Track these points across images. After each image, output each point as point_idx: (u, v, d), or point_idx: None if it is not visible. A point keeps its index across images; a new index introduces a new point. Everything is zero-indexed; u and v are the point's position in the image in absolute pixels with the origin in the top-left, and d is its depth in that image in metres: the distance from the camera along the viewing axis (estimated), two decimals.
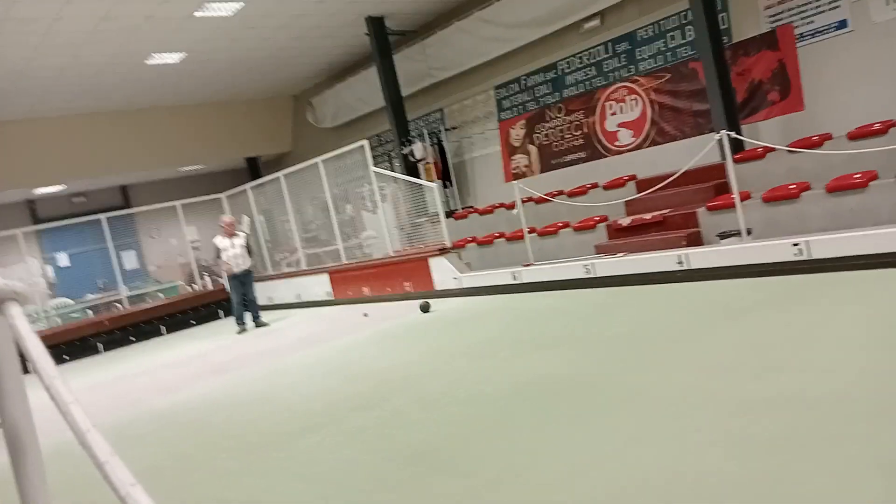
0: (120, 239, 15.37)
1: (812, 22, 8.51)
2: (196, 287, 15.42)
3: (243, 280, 11.05)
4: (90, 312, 14.45)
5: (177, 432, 5.37)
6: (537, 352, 5.35)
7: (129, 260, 17.81)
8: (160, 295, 15.23)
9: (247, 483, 3.78)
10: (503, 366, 5.10)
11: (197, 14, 10.62)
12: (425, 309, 8.98)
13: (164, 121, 16.17)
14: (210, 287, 14.91)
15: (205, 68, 13.68)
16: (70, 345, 12.52)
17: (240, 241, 11.00)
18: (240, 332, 10.96)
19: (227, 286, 11.31)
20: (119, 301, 14.68)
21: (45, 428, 1.14)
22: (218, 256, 11.05)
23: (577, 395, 4.01)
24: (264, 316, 11.48)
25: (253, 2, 10.63)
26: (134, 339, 13.35)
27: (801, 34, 8.61)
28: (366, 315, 9.64)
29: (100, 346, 13.01)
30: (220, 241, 11.01)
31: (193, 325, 13.98)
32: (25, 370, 1.13)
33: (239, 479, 3.87)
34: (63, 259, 17.71)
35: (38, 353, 0.90)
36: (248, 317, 11.24)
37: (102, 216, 14.53)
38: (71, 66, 11.82)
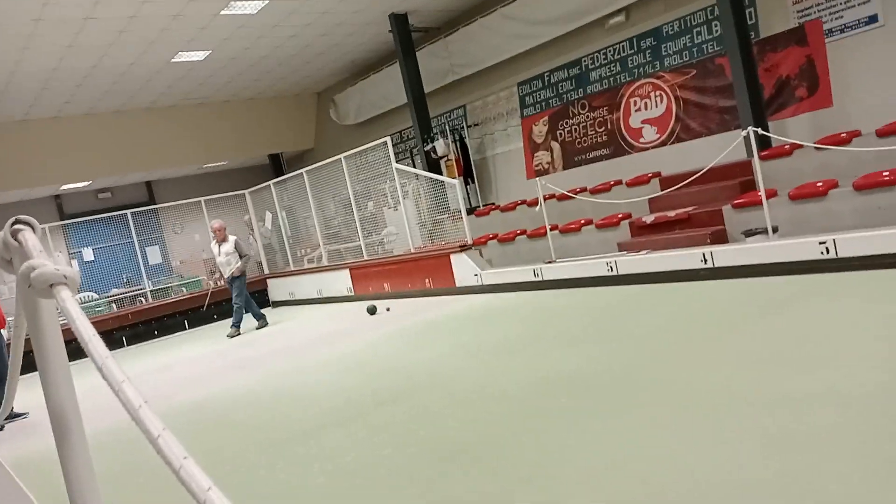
0: (144, 234, 15.56)
1: (841, 17, 8.40)
2: (219, 282, 15.56)
3: (231, 283, 10.84)
4: (114, 306, 14.64)
5: (205, 427, 5.43)
6: (563, 349, 5.34)
7: (154, 255, 18.03)
8: (183, 290, 15.40)
9: (275, 477, 3.82)
10: (529, 362, 5.09)
11: (223, 12, 10.71)
12: (372, 311, 9.60)
13: (190, 118, 16.35)
14: None
15: (230, 66, 13.80)
16: None
17: (226, 247, 10.76)
18: (230, 336, 10.71)
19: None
20: (143, 295, 14.87)
21: (87, 417, 1.16)
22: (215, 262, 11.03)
23: (605, 393, 4.00)
24: (274, 314, 11.36)
25: None
26: (157, 333, 13.52)
27: (830, 29, 8.51)
28: (388, 310, 9.69)
29: (124, 339, 13.18)
30: (213, 247, 10.95)
31: (216, 319, 14.11)
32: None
33: (267, 473, 3.91)
34: (88, 254, 17.97)
35: (90, 335, 0.92)
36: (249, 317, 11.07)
37: (128, 212, 14.72)
38: (100, 65, 11.99)
